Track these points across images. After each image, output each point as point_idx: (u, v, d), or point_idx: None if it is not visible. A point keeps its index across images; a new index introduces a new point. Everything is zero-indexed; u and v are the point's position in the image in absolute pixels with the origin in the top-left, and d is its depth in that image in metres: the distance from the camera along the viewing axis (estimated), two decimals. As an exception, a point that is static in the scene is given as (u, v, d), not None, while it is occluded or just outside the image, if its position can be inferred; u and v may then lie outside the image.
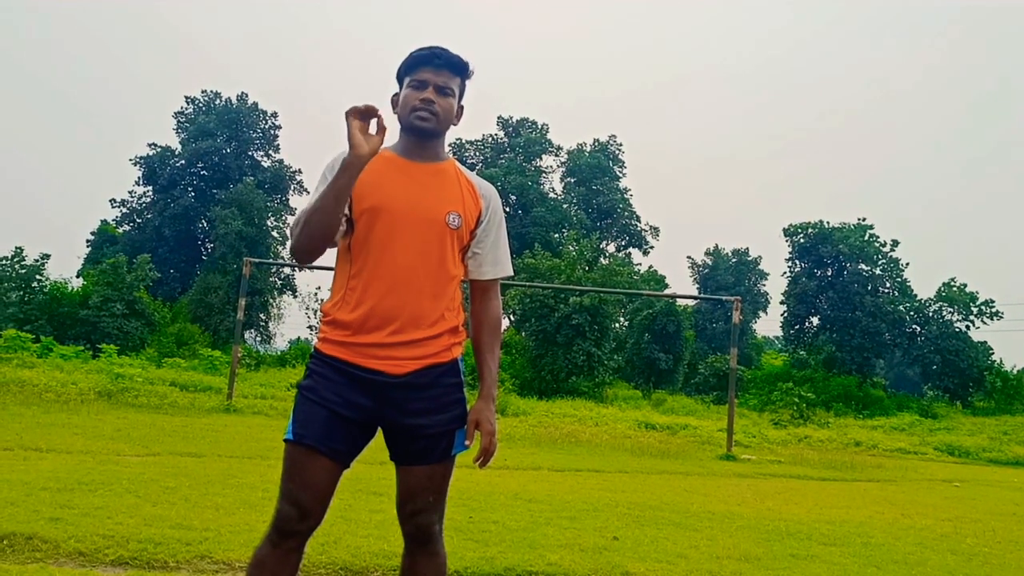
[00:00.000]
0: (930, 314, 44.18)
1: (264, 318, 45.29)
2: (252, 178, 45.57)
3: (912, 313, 44.45)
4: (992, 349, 43.11)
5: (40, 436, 8.90)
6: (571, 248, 36.49)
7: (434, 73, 2.58)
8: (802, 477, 12.61)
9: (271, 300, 45.60)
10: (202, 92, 50.40)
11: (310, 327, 39.59)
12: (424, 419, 2.53)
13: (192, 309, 39.43)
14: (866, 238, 44.79)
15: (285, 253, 46.81)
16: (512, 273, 2.82)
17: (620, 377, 40.17)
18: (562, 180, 55.44)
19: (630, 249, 54.90)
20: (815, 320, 46.63)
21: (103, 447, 8.57)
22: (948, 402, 41.28)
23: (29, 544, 4.27)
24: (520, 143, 53.47)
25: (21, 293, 33.23)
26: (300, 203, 59.10)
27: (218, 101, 49.85)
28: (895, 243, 44.98)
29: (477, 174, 3.02)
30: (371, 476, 7.65)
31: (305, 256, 2.47)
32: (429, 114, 2.56)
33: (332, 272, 2.73)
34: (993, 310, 43.00)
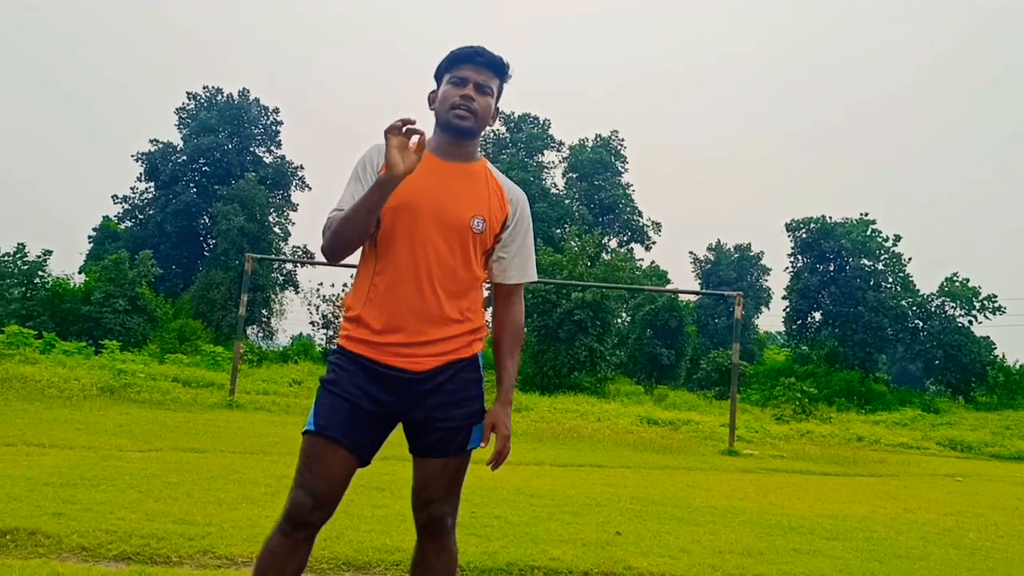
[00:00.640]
0: (932, 309, 44.15)
1: (266, 314, 45.29)
2: (254, 174, 45.54)
3: (914, 308, 44.43)
4: (994, 344, 43.08)
5: (43, 432, 8.91)
6: (573, 244, 36.46)
7: (475, 71, 2.59)
8: (804, 472, 12.60)
9: (273, 296, 45.58)
10: (204, 88, 50.40)
11: (312, 323, 39.57)
12: (443, 413, 2.55)
13: (194, 305, 39.44)
14: (868, 233, 44.77)
15: (287, 249, 46.84)
16: (536, 278, 2.84)
17: (622, 372, 40.16)
18: (564, 176, 55.37)
19: (632, 244, 54.83)
20: (817, 315, 46.61)
21: (105, 443, 8.57)
22: (950, 397, 41.26)
23: (32, 539, 4.28)
24: (522, 138, 53.39)
25: (23, 289, 33.24)
26: (302, 199, 59.16)
27: (220, 97, 49.80)
28: (897, 238, 44.98)
29: None
30: (374, 472, 7.63)
31: (335, 258, 2.52)
32: (467, 112, 2.57)
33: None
34: (996, 305, 42.98)
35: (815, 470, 13.02)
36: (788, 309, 47.17)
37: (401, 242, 2.51)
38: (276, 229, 46.62)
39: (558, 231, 47.55)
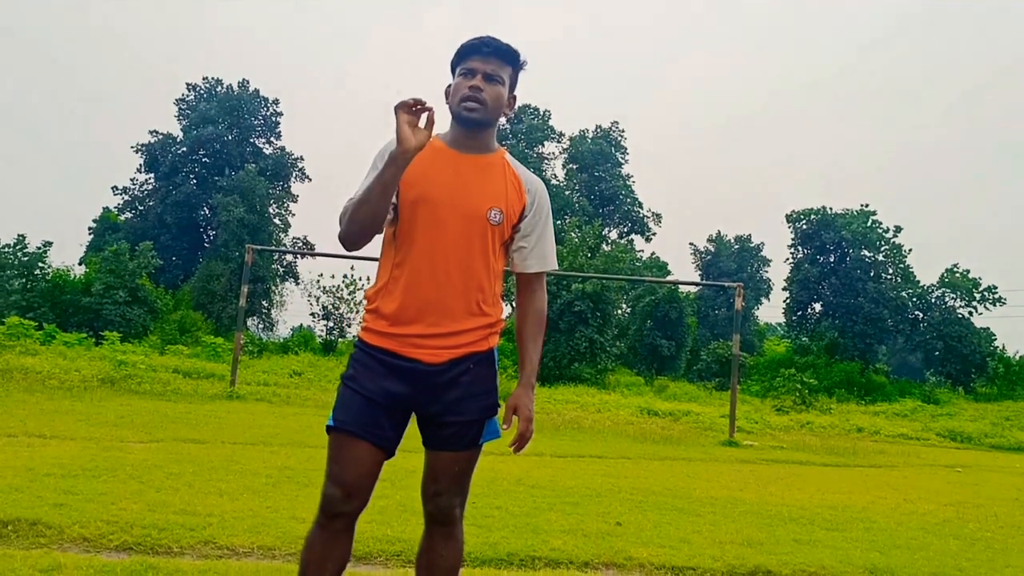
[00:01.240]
0: (933, 300, 44.17)
1: (266, 305, 45.30)
2: (254, 165, 45.47)
3: (915, 299, 44.45)
4: (995, 335, 43.11)
5: (44, 423, 8.92)
6: (573, 235, 36.42)
7: (482, 61, 2.60)
8: (804, 463, 12.63)
9: (273, 287, 45.59)
10: (203, 79, 50.28)
11: (312, 314, 39.49)
12: (458, 407, 2.57)
13: (194, 296, 39.45)
14: (869, 224, 44.74)
15: (287, 240, 46.81)
16: (557, 267, 2.85)
17: (622, 363, 40.17)
18: (564, 167, 55.32)
19: (632, 236, 54.79)
20: (817, 306, 46.61)
21: (107, 434, 8.58)
22: (950, 388, 41.29)
23: (33, 530, 4.28)
24: (522, 130, 53.33)
25: (24, 281, 33.25)
26: (302, 190, 59.09)
27: (219, 88, 49.70)
28: (898, 229, 44.96)
29: None
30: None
31: (352, 245, 2.53)
32: (476, 103, 2.58)
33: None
34: (996, 296, 42.99)
35: (815, 461, 13.04)
36: (788, 300, 47.19)
37: (419, 235, 2.54)
38: (276, 220, 46.59)
39: (558, 222, 47.52)
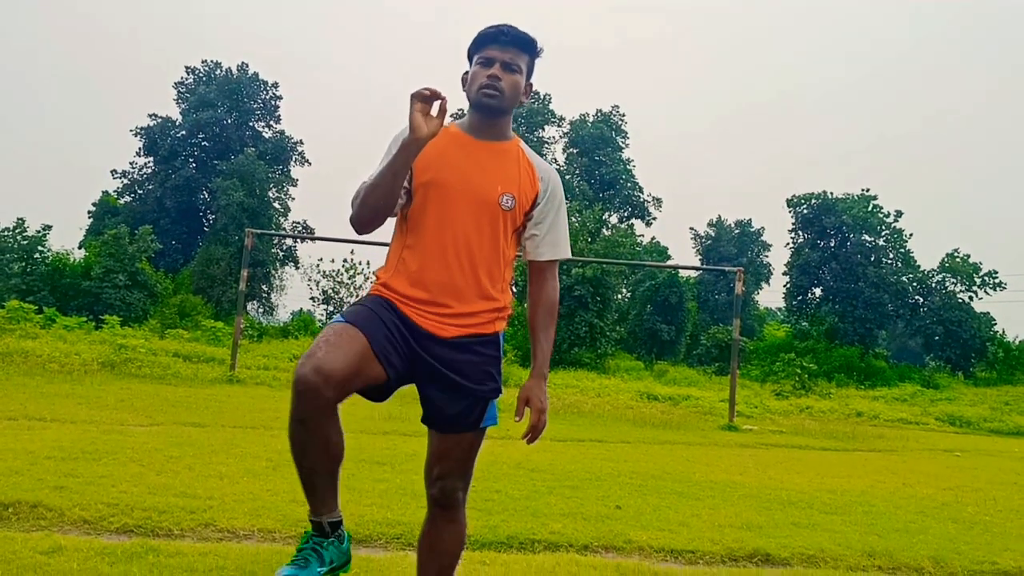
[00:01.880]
0: (933, 285, 44.16)
1: (266, 289, 45.30)
2: (253, 149, 45.38)
3: (915, 284, 44.43)
4: (995, 320, 43.14)
5: (44, 406, 8.93)
6: (574, 219, 36.39)
7: (500, 50, 2.62)
8: (804, 447, 12.65)
9: (273, 271, 45.57)
10: (202, 62, 50.04)
11: (312, 299, 39.49)
12: (461, 378, 2.56)
13: (194, 280, 39.45)
14: (869, 209, 44.66)
15: (287, 224, 46.74)
16: (570, 255, 2.87)
17: (622, 348, 40.23)
18: (564, 151, 55.13)
19: (633, 220, 54.65)
20: (818, 291, 46.61)
21: (107, 417, 8.60)
22: (950, 373, 41.32)
23: (34, 512, 4.29)
24: (522, 113, 53.11)
25: (23, 264, 33.24)
26: (302, 174, 58.97)
27: (218, 71, 49.48)
28: (899, 214, 44.88)
29: None
30: (374, 446, 7.70)
31: (363, 228, 2.54)
32: (495, 91, 2.59)
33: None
34: (996, 281, 42.98)
35: (814, 445, 13.06)
36: (788, 285, 47.16)
37: (431, 218, 2.55)
38: (276, 204, 46.49)
39: (558, 207, 47.25)
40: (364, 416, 9.65)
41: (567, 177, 51.12)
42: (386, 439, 8.40)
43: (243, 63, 49.49)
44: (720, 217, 57.98)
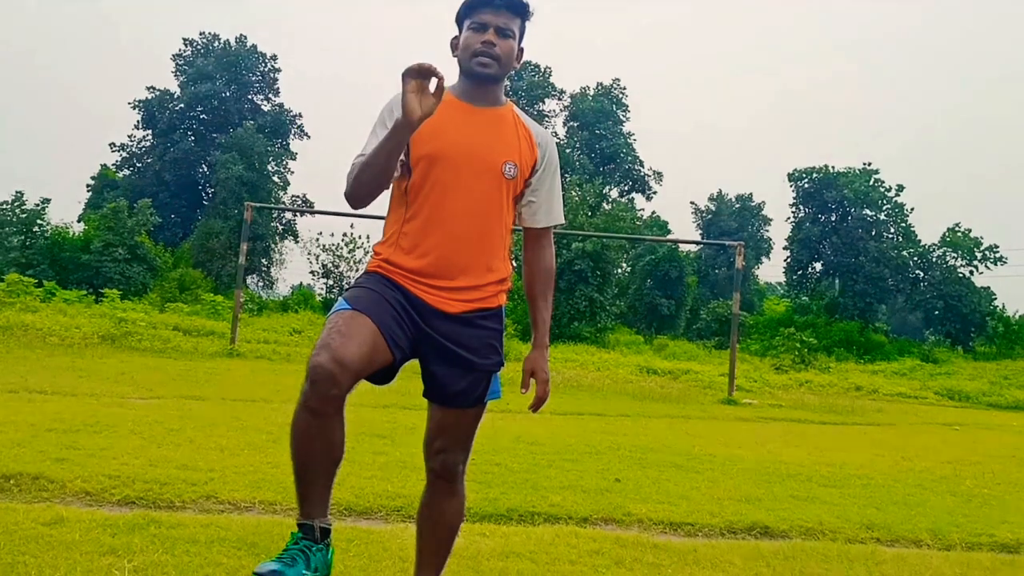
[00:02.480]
0: (934, 259, 44.13)
1: (266, 263, 45.26)
2: (252, 122, 45.15)
3: (915, 258, 44.40)
4: (995, 294, 43.18)
5: (45, 379, 8.95)
6: (574, 193, 36.31)
7: (494, 14, 2.54)
8: (803, 421, 12.69)
9: (273, 245, 45.51)
10: (200, 34, 49.65)
11: (312, 272, 39.49)
12: (468, 353, 2.53)
13: (194, 254, 39.42)
14: (871, 183, 44.53)
15: (286, 198, 46.62)
16: (564, 221, 2.81)
17: (622, 322, 40.26)
18: (565, 124, 54.91)
19: (633, 194, 54.57)
20: (818, 266, 46.61)
21: (107, 390, 8.62)
22: (949, 347, 41.40)
23: (36, 484, 4.31)
24: (522, 87, 52.82)
25: (22, 238, 33.21)
26: (302, 148, 58.76)
27: (216, 43, 49.14)
28: (900, 188, 44.74)
29: None
30: (374, 419, 7.72)
31: (358, 203, 2.49)
32: (490, 58, 2.53)
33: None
34: (997, 255, 42.95)
35: (813, 419, 13.11)
36: (789, 259, 47.14)
37: (433, 190, 2.49)
38: (275, 178, 46.35)
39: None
40: (364, 389, 9.55)
41: (567, 151, 50.95)
42: (386, 412, 8.42)
43: (241, 35, 49.21)
44: (721, 191, 57.90)
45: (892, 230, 44.92)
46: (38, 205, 34.07)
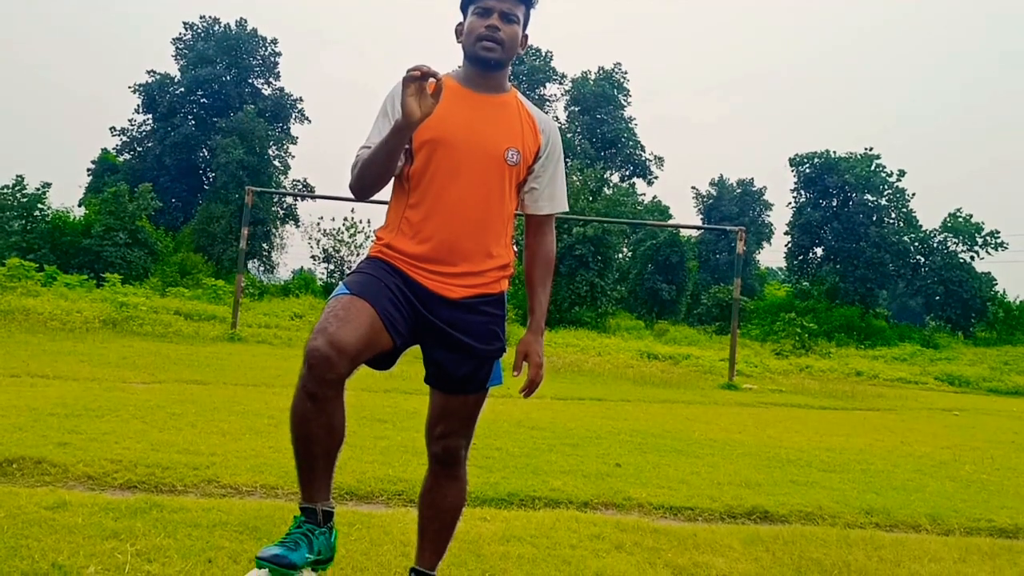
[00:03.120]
0: (935, 245, 44.10)
1: (267, 248, 45.25)
2: (253, 106, 45.01)
3: (916, 244, 44.35)
4: (996, 280, 43.19)
5: (46, 363, 8.96)
6: (575, 178, 36.24)
7: (498, 0, 2.53)
8: (803, 406, 12.71)
9: (274, 230, 45.49)
10: (200, 18, 49.47)
11: (313, 257, 39.57)
12: (469, 339, 2.53)
13: (195, 239, 39.41)
14: (872, 168, 44.43)
15: (287, 182, 46.54)
16: (567, 208, 2.80)
17: (623, 307, 40.29)
18: (566, 109, 54.71)
19: (634, 179, 54.42)
20: (819, 251, 46.58)
21: (109, 374, 8.63)
22: (950, 333, 41.43)
23: (38, 468, 4.32)
24: (524, 71, 52.62)
25: (23, 222, 33.21)
26: (302, 131, 58.55)
27: (217, 27, 48.94)
28: (901, 173, 44.63)
29: None
30: (375, 404, 7.73)
31: (362, 196, 2.52)
32: (494, 43, 2.52)
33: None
34: (998, 241, 42.95)
35: (814, 404, 13.13)
36: (790, 244, 47.11)
37: (435, 177, 2.49)
38: (276, 162, 46.27)
39: (560, 165, 47.00)
40: (365, 374, 9.59)
41: (568, 135, 50.79)
42: (387, 397, 8.43)
43: (242, 19, 49.00)
44: (722, 176, 57.74)
45: (893, 215, 44.86)
46: (39, 189, 34.07)
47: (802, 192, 46.28)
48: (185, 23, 49.47)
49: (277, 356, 12.61)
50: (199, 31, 49.30)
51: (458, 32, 2.63)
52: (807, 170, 45.54)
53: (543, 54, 54.19)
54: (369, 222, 39.35)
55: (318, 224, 39.35)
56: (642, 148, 54.38)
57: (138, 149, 48.16)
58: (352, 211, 38.86)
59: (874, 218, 44.21)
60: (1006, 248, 42.99)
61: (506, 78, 2.66)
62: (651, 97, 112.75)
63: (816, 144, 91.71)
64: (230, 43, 47.90)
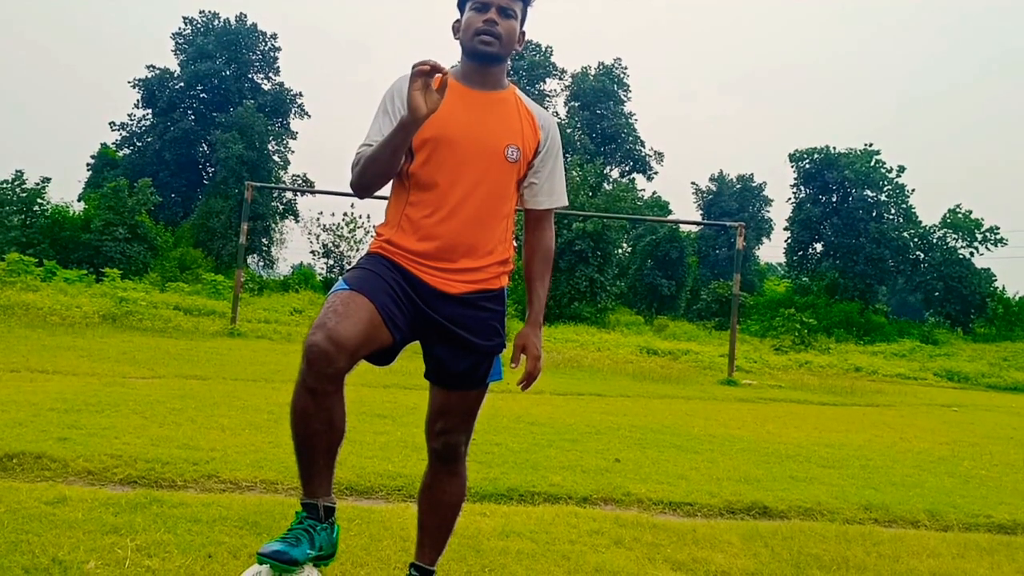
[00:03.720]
0: (934, 240, 44.08)
1: (266, 243, 45.24)
2: (252, 101, 44.99)
3: (916, 240, 44.33)
4: (995, 276, 43.15)
5: (46, 358, 8.97)
6: (575, 173, 36.21)
7: None
8: (802, 402, 12.72)
9: (273, 225, 45.47)
10: (200, 13, 49.46)
11: (312, 252, 39.60)
12: (469, 334, 2.53)
13: (194, 234, 39.40)
14: (872, 164, 44.42)
15: (287, 177, 46.52)
16: (567, 203, 2.81)
17: (622, 303, 40.30)
18: (566, 104, 54.65)
19: (634, 174, 54.42)
20: (819, 246, 46.59)
21: (109, 369, 8.63)
22: (949, 328, 41.43)
23: (38, 463, 4.32)
24: (524, 66, 52.56)
25: (23, 217, 33.19)
26: (301, 127, 58.48)
27: (216, 22, 48.91)
28: (901, 169, 44.62)
29: None
30: (375, 399, 7.74)
31: (364, 194, 2.52)
32: (492, 37, 2.52)
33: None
34: (997, 237, 42.89)
35: (813, 400, 13.13)
36: (789, 240, 47.11)
37: (435, 173, 2.49)
38: (275, 157, 46.23)
39: (559, 161, 46.96)
40: (365, 369, 9.59)
41: (568, 131, 50.74)
42: (387, 392, 8.44)
43: (241, 14, 48.99)
44: (722, 172, 57.78)
45: (893, 211, 44.86)
46: (38, 184, 34.05)
47: (802, 188, 46.28)
48: (185, 18, 49.58)
49: (277, 351, 12.61)
50: (199, 26, 49.28)
51: (455, 29, 2.63)
52: (807, 166, 45.53)
53: (543, 49, 54.13)
54: (369, 217, 39.39)
55: (318, 219, 39.43)
56: (642, 143, 54.36)
57: (138, 144, 48.14)
58: (352, 206, 38.89)
59: (874, 214, 44.20)
60: (1005, 244, 42.96)
61: (504, 74, 2.65)
62: (650, 95, 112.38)
63: (816, 140, 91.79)
64: (230, 38, 47.88)
